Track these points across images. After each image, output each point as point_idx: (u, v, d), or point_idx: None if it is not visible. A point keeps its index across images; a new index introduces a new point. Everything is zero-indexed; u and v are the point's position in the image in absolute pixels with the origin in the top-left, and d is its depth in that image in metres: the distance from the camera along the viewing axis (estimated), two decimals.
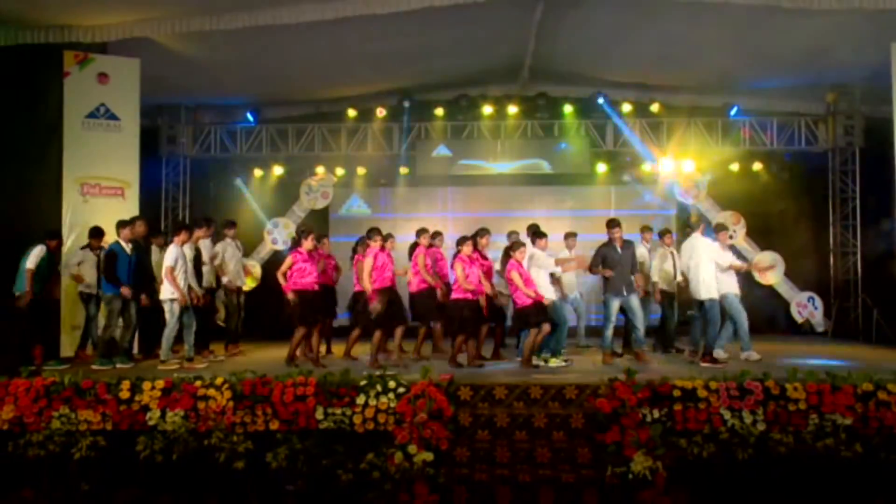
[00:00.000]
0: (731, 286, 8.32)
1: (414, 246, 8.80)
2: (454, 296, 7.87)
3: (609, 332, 8.24)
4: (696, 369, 7.38)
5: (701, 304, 8.28)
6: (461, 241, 7.98)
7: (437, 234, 9.12)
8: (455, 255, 8.08)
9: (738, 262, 8.53)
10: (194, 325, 8.22)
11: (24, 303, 8.09)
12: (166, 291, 7.98)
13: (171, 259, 7.95)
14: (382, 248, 8.14)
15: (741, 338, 8.30)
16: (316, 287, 8.07)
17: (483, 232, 8.38)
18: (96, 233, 8.78)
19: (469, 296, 7.77)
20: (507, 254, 7.91)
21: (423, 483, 5.55)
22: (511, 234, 9.31)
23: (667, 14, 9.37)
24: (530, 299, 7.69)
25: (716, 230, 8.66)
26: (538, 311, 7.72)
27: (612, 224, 8.32)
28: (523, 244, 7.97)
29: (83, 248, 8.82)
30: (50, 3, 8.61)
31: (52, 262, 8.41)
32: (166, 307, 7.99)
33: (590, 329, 10.23)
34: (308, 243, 8.06)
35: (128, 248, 8.24)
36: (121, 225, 8.37)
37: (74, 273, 8.71)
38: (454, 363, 7.74)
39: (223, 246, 9.23)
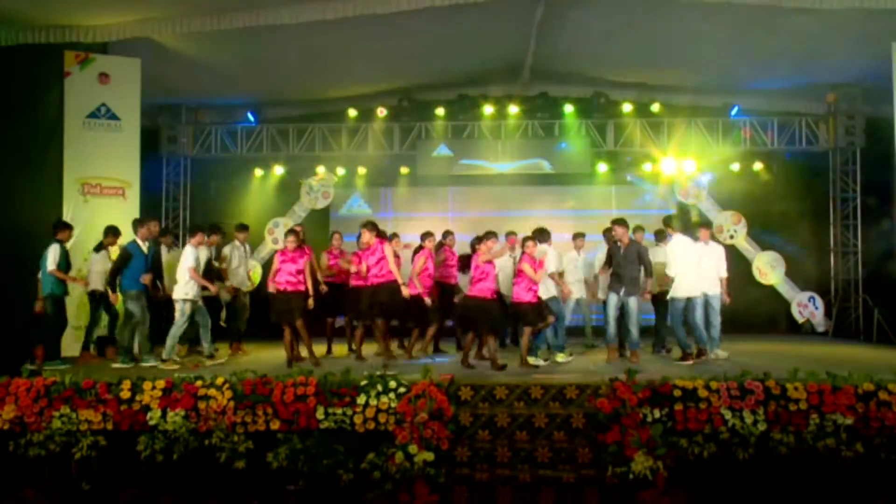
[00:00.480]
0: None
1: (418, 249, 8.79)
2: (470, 293, 7.83)
3: (611, 329, 8.30)
4: (696, 369, 7.40)
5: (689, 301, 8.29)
6: (477, 240, 8.05)
7: (448, 234, 9.15)
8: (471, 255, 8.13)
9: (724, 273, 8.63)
10: (210, 324, 8.31)
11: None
12: (179, 291, 8.02)
13: (192, 259, 8.06)
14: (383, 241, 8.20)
15: (681, 336, 8.39)
16: (288, 287, 8.04)
17: (490, 235, 8.36)
18: (114, 231, 8.79)
19: (487, 294, 7.72)
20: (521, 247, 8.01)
21: (423, 483, 5.55)
22: (509, 234, 9.32)
23: (667, 14, 9.37)
24: (529, 297, 7.73)
25: (697, 229, 8.68)
26: (535, 311, 7.78)
27: (614, 223, 8.40)
28: (534, 238, 8.02)
29: (97, 250, 8.81)
30: (51, 3, 8.61)
31: (67, 256, 8.37)
32: (178, 307, 8.05)
33: (598, 329, 10.22)
34: (289, 243, 8.13)
35: (144, 246, 8.28)
36: (139, 223, 8.42)
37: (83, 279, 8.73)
38: (466, 364, 7.69)
39: (230, 249, 9.24)
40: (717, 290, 8.42)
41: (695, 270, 8.19)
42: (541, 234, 8.40)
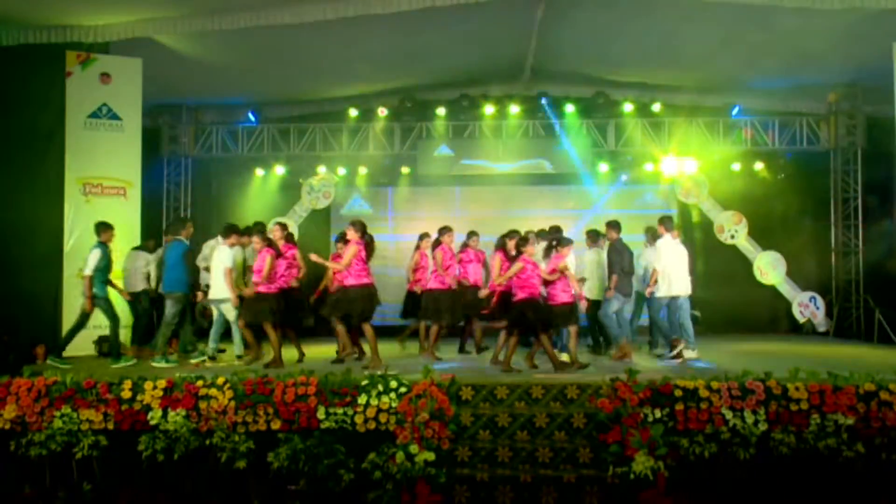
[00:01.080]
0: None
1: (436, 244, 8.78)
2: (520, 296, 7.49)
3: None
4: (696, 369, 7.41)
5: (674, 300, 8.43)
6: (523, 242, 7.62)
7: (472, 234, 9.09)
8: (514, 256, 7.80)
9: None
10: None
11: (88, 308, 8.11)
12: (222, 291, 8.01)
13: (230, 260, 8.06)
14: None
15: (665, 332, 8.68)
16: (259, 288, 7.90)
17: (513, 234, 8.26)
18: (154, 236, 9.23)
19: (535, 294, 7.49)
20: (552, 249, 7.83)
21: (424, 483, 5.54)
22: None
23: (668, 14, 9.37)
24: (566, 298, 7.66)
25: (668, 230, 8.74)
26: (571, 312, 7.72)
27: (608, 225, 8.66)
28: (571, 241, 7.93)
29: (137, 249, 9.01)
30: (52, 3, 8.62)
31: (109, 258, 8.33)
32: (226, 307, 8.08)
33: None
34: (255, 244, 7.98)
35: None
36: (181, 223, 8.53)
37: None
38: (531, 364, 7.52)
39: (250, 249, 9.18)
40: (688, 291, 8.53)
41: (679, 271, 8.36)
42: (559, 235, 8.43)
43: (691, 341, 8.32)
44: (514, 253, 7.85)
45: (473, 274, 9.03)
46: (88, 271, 8.04)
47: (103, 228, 8.31)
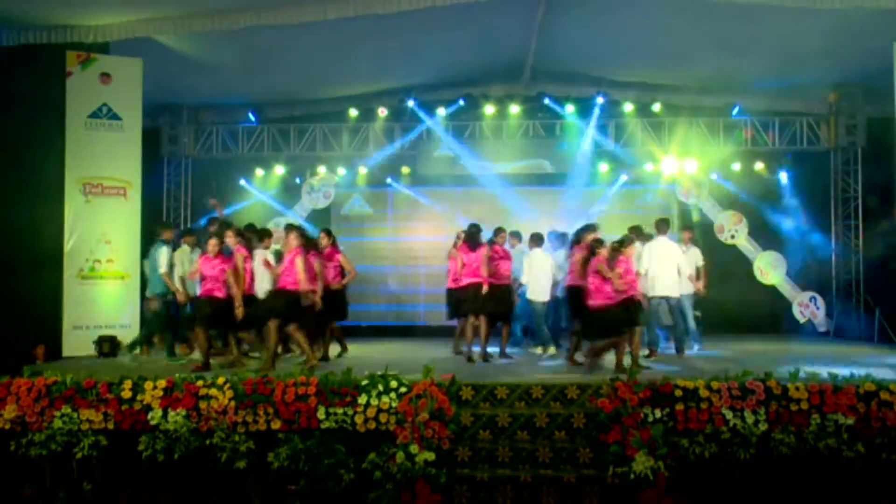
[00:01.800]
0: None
1: (474, 243, 8.54)
2: (598, 301, 7.31)
3: None
4: (696, 369, 7.41)
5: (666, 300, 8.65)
6: (598, 244, 7.43)
7: (500, 230, 8.88)
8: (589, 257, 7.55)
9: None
10: None
11: (184, 301, 8.34)
12: (259, 291, 7.97)
13: (275, 260, 8.09)
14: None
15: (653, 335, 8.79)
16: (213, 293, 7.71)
17: (591, 228, 8.15)
18: (191, 232, 9.34)
19: (611, 301, 7.28)
20: (616, 252, 7.52)
21: (424, 483, 5.54)
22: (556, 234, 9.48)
23: (668, 14, 9.37)
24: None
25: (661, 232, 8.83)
26: (638, 311, 7.53)
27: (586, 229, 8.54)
28: (633, 241, 7.82)
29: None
30: (52, 3, 8.62)
31: (172, 257, 8.50)
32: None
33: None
34: (211, 246, 7.75)
35: None
36: (227, 227, 8.46)
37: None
38: (588, 367, 7.33)
39: (263, 253, 9.13)
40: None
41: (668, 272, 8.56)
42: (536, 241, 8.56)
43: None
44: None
45: (504, 271, 8.76)
46: (164, 268, 8.26)
47: (165, 228, 8.62)
